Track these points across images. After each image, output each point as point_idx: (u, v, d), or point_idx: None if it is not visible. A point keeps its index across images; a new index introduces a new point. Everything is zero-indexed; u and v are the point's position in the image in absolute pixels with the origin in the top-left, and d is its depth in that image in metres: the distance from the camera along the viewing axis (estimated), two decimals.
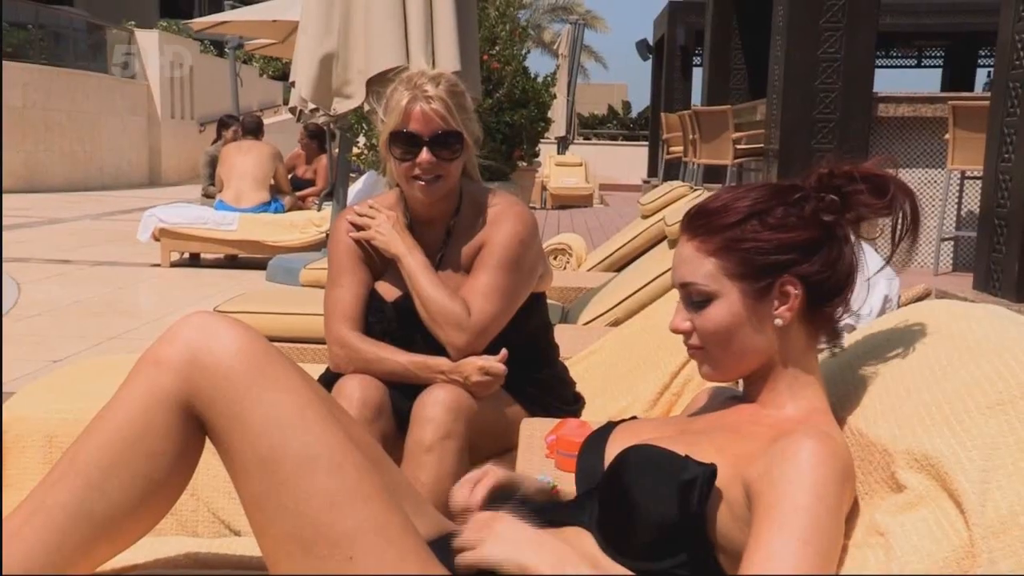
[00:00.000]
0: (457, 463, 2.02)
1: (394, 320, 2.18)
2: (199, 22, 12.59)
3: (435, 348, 2.14)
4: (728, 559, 1.16)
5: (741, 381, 1.36)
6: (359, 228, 2.25)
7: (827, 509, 1.07)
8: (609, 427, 1.43)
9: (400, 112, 2.13)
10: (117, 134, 18.51)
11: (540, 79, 9.54)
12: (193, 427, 1.18)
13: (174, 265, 7.65)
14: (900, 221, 1.25)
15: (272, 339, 3.39)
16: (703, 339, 1.27)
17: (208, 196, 8.58)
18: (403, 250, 2.18)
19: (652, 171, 16.56)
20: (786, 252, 1.23)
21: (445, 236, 2.26)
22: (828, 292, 1.25)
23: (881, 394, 1.23)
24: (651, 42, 18.56)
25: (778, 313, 1.25)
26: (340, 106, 3.04)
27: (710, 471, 1.15)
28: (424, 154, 2.12)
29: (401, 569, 1.13)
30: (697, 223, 1.28)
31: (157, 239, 7.51)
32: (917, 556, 1.00)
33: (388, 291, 2.23)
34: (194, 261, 7.94)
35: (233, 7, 13.32)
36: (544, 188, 16.14)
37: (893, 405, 1.18)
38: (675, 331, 1.30)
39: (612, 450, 1.33)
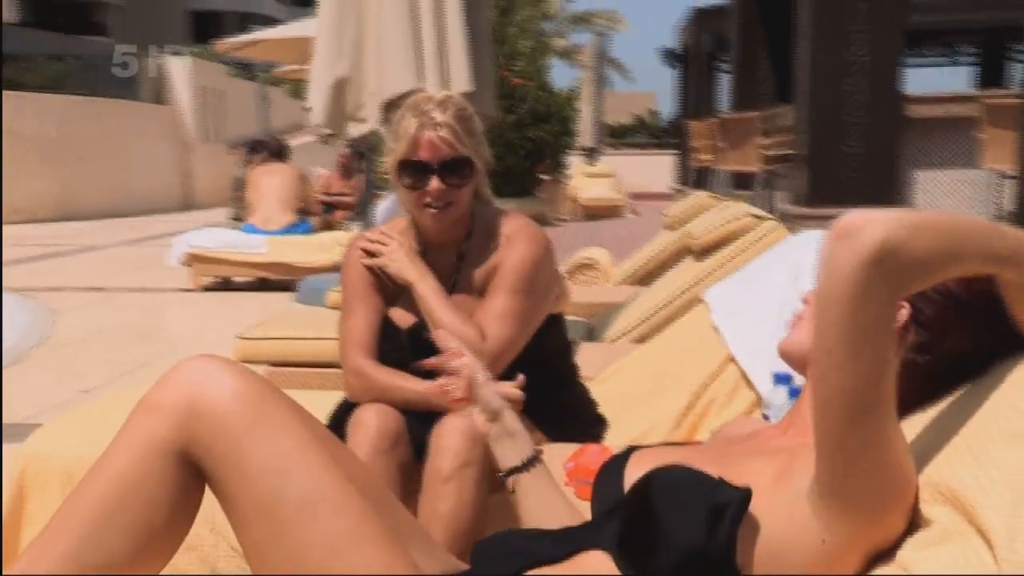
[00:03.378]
0: (477, 492, 1.97)
1: (408, 347, 2.15)
2: (227, 43, 12.69)
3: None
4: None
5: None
6: (371, 255, 2.23)
7: None
8: (628, 452, 1.40)
9: (408, 140, 2.10)
10: (149, 160, 18.75)
11: (563, 93, 9.54)
12: (191, 474, 1.15)
13: (206, 289, 7.70)
14: None
15: (295, 364, 3.39)
16: None
17: (237, 219, 8.63)
18: (415, 276, 2.15)
19: (683, 179, 16.45)
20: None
21: (458, 260, 2.23)
22: (936, 358, 1.20)
23: (911, 426, 1.17)
24: (675, 49, 18.50)
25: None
26: (355, 130, 3.04)
27: (744, 495, 1.11)
28: (434, 182, 2.10)
29: None
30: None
31: (188, 264, 7.56)
32: None
33: (402, 317, 2.20)
34: (225, 284, 7.98)
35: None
36: (574, 200, 16.09)
37: (921, 437, 1.13)
38: None
39: (632, 474, 1.30)
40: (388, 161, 2.20)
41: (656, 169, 22.38)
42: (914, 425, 1.16)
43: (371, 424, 2.04)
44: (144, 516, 1.14)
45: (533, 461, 1.53)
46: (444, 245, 2.23)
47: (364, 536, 1.11)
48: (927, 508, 1.04)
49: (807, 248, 2.11)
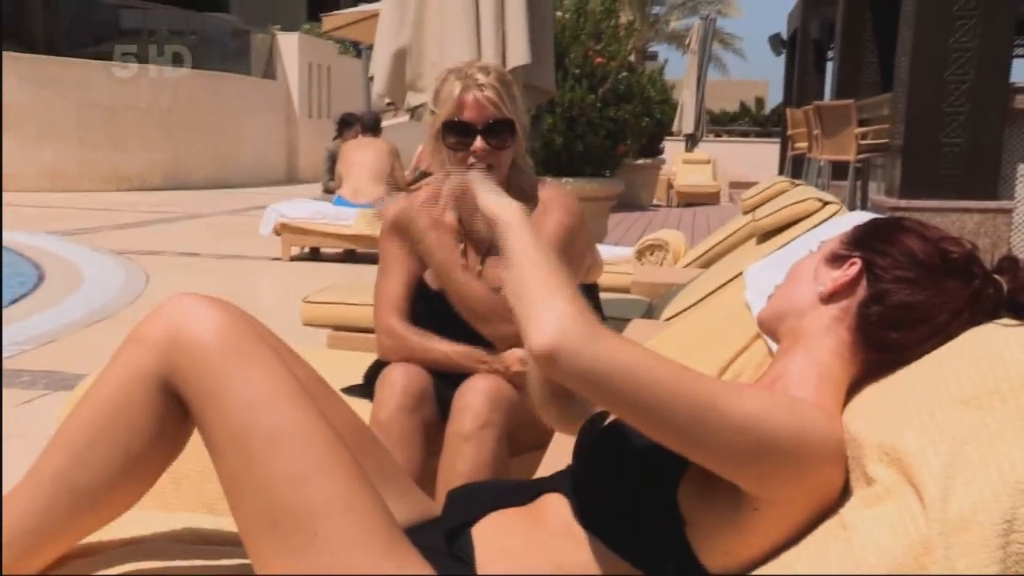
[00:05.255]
0: (495, 453, 2.02)
1: (438, 309, 2.20)
2: (331, 21, 12.93)
3: (479, 337, 2.14)
4: (699, 536, 1.13)
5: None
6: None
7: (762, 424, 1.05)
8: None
9: (453, 101, 2.14)
10: (257, 133, 19.30)
11: (645, 73, 9.41)
12: (173, 405, 1.21)
13: (294, 259, 7.91)
14: None
15: (349, 328, 3.47)
16: None
17: (328, 191, 8.84)
18: (440, 256, 2.17)
19: (780, 168, 16.11)
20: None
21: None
22: (887, 308, 1.20)
23: (868, 389, 1.17)
24: (784, 36, 18.05)
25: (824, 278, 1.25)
26: (414, 99, 3.09)
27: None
28: (478, 142, 2.13)
29: (367, 548, 1.14)
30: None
31: (278, 233, 7.78)
32: (875, 550, 0.96)
33: (435, 280, 2.25)
34: (314, 255, 8.19)
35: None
36: (670, 186, 15.93)
37: (875, 398, 1.13)
38: None
39: (604, 426, 1.32)
40: (432, 124, 2.24)
41: (760, 158, 21.94)
42: (868, 388, 1.16)
43: (397, 382, 2.10)
44: (126, 440, 1.21)
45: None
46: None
47: (330, 471, 1.16)
48: (873, 467, 1.04)
49: (841, 227, 2.06)
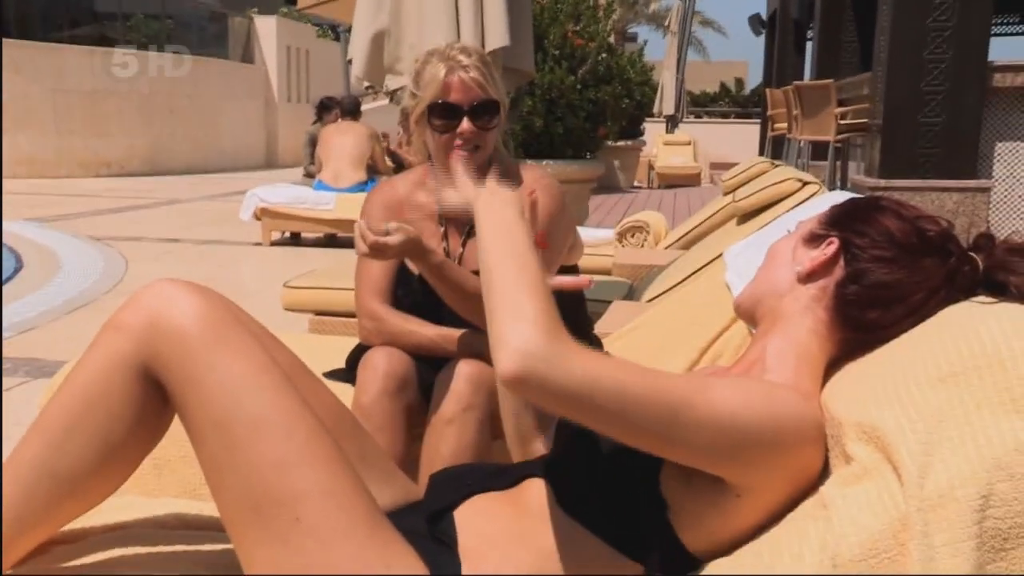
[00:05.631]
0: (478, 435, 2.02)
1: (420, 292, 2.19)
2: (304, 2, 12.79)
3: (461, 320, 2.14)
4: (681, 520, 1.14)
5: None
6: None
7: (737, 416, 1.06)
8: None
9: (438, 84, 2.12)
10: (236, 118, 19.16)
11: (625, 55, 9.42)
12: (153, 391, 1.21)
13: (275, 244, 7.88)
14: None
15: (331, 313, 3.47)
16: None
17: (309, 176, 8.79)
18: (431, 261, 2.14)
19: (760, 149, 16.15)
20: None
21: None
22: (864, 287, 1.20)
23: (847, 368, 1.18)
24: (764, 16, 18.04)
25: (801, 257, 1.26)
26: (392, 83, 3.07)
27: None
28: (465, 123, 2.12)
29: (350, 533, 1.14)
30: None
31: (259, 219, 7.74)
32: (854, 528, 0.97)
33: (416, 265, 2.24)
34: (294, 240, 8.16)
35: None
36: (651, 167, 15.93)
37: (854, 378, 1.14)
38: None
39: None
40: (414, 108, 2.22)
41: (740, 139, 21.97)
42: (847, 368, 1.17)
43: (380, 366, 2.09)
44: (105, 428, 1.20)
45: None
46: None
47: (312, 456, 1.16)
48: (852, 446, 1.05)
49: (821, 207, 2.08)
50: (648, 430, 1.05)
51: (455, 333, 2.13)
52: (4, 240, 7.50)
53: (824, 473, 1.09)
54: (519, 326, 1.04)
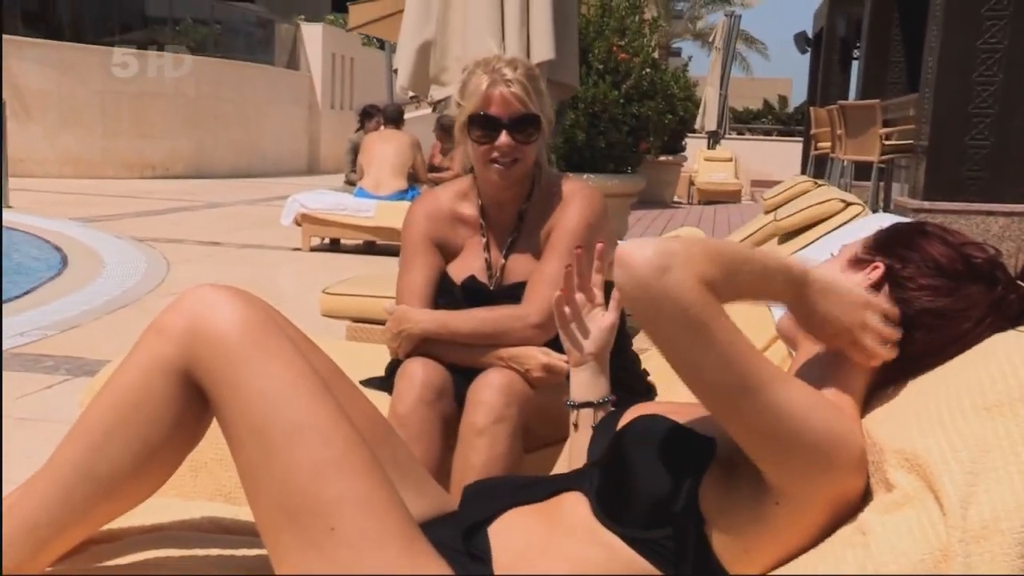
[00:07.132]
0: (509, 446, 2.01)
1: (462, 301, 2.20)
2: (357, 14, 12.91)
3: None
4: (718, 535, 1.14)
5: None
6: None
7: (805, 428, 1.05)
8: (628, 405, 1.42)
9: (480, 96, 2.14)
10: (280, 123, 19.37)
11: (668, 70, 9.38)
12: (193, 396, 1.22)
13: (314, 250, 7.93)
14: None
15: (369, 321, 3.47)
16: None
17: (350, 183, 8.85)
18: (429, 327, 2.15)
19: (802, 167, 16.04)
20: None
21: (517, 220, 2.26)
22: (910, 314, 1.19)
23: (891, 395, 1.16)
24: (810, 34, 17.92)
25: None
26: (437, 93, 3.09)
27: (709, 443, 1.14)
28: (503, 137, 2.13)
29: (384, 544, 1.14)
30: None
31: (299, 224, 7.80)
32: (893, 556, 0.96)
33: (458, 273, 2.25)
34: (334, 246, 8.21)
35: None
36: (691, 183, 15.87)
37: (897, 405, 1.12)
38: None
39: (623, 424, 1.32)
40: (457, 117, 2.24)
41: (782, 156, 21.83)
42: (890, 394, 1.16)
43: (417, 376, 2.10)
44: (145, 431, 1.21)
45: (606, 404, 1.55)
46: (505, 204, 2.26)
47: (348, 465, 1.16)
48: (893, 474, 1.04)
49: (864, 230, 2.05)
50: (719, 382, 1.06)
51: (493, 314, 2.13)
52: (49, 239, 7.63)
53: (864, 499, 1.08)
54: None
